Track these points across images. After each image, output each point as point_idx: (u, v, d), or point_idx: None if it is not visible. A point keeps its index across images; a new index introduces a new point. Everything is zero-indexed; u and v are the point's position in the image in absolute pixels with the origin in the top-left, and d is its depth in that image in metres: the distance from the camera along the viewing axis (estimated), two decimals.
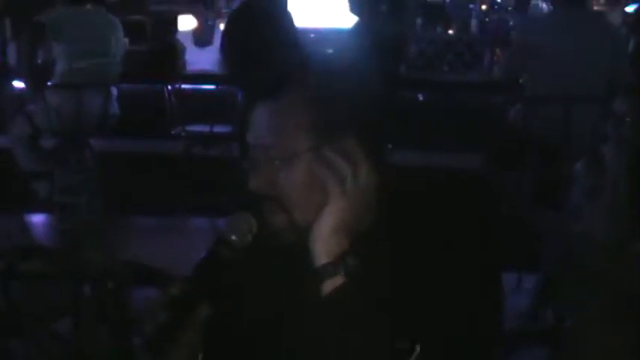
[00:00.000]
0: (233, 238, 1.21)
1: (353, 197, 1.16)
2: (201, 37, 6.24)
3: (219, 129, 5.21)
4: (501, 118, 4.53)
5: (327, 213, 1.16)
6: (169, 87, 5.31)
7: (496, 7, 7.48)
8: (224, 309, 1.24)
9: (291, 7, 4.37)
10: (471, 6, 7.38)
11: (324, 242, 1.16)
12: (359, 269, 1.14)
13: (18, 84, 5.60)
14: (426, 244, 1.18)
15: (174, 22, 6.68)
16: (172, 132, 5.30)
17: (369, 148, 1.18)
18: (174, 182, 5.10)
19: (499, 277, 1.23)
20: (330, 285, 1.14)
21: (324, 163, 1.17)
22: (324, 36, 6.28)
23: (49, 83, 4.96)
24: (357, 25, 4.73)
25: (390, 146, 1.26)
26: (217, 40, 5.74)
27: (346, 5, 4.77)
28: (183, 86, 5.40)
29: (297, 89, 1.19)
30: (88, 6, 4.99)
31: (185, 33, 6.46)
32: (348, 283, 1.14)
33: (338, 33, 5.67)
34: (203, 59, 5.93)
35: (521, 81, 4.37)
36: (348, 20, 4.94)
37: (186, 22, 6.71)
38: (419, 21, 7.09)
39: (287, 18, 4.29)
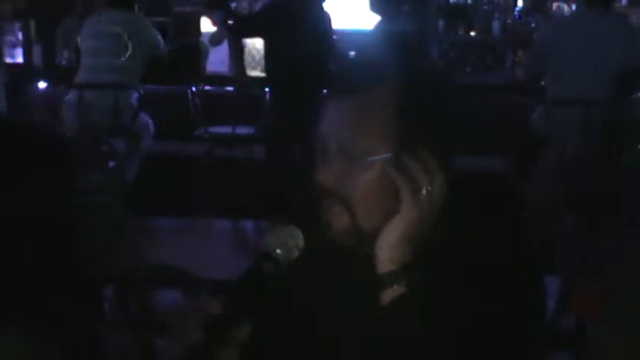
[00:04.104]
0: (278, 252, 1.13)
1: (425, 208, 1.14)
2: (216, 38, 6.22)
3: (241, 130, 5.23)
4: (524, 120, 4.51)
5: (398, 221, 1.14)
6: (193, 88, 5.34)
7: (518, 8, 7.44)
8: (266, 327, 1.18)
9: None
10: (493, 8, 7.35)
11: (390, 250, 1.13)
12: (421, 281, 1.12)
13: (42, 84, 5.66)
14: (479, 251, 1.15)
15: (197, 24, 6.71)
16: (195, 133, 5.33)
17: (441, 159, 1.16)
18: (197, 183, 5.13)
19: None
20: (390, 294, 1.12)
21: (402, 171, 1.14)
22: (346, 37, 6.27)
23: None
24: (379, 26, 4.72)
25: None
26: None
27: (367, 6, 4.76)
28: (206, 87, 5.42)
29: (390, 91, 1.17)
30: (111, 9, 5.02)
31: (208, 34, 6.47)
32: (409, 295, 1.11)
33: (359, 34, 5.66)
34: (213, 59, 5.92)
35: (542, 83, 4.36)
36: (369, 21, 4.93)
37: (210, 24, 6.71)
38: (441, 23, 7.07)
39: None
